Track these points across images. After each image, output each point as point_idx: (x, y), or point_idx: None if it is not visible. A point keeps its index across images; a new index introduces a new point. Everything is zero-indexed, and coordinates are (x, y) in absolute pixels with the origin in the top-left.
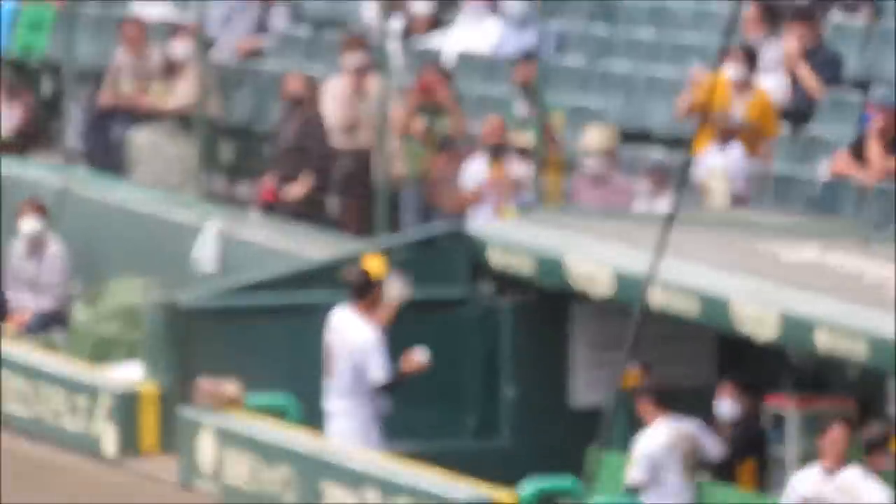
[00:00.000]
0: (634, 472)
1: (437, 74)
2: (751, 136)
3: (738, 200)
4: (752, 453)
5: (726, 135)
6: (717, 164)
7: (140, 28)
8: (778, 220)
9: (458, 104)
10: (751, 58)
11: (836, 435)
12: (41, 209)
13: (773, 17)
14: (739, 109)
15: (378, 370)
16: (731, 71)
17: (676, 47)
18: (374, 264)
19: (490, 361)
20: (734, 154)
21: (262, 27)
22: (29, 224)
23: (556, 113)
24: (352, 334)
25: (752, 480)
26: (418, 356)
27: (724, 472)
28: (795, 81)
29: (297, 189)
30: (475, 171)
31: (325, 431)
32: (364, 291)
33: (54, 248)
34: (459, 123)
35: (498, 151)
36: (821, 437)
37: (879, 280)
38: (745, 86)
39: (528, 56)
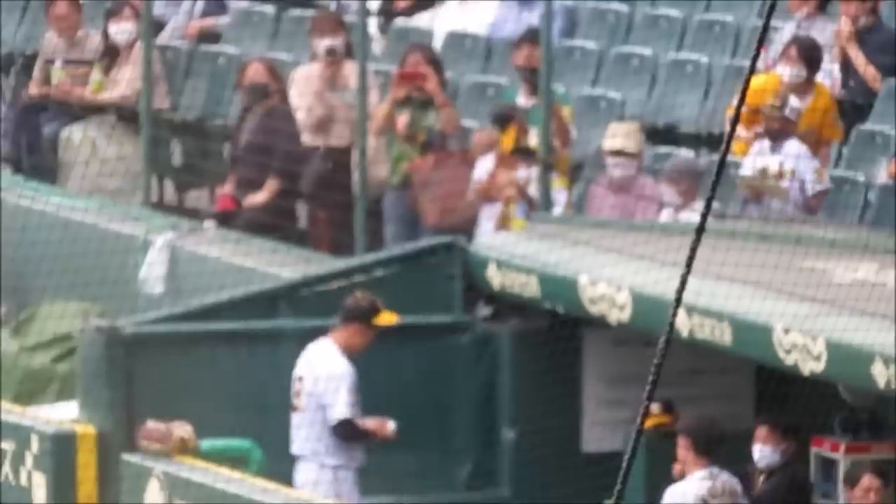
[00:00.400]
0: None
1: (424, 60)
2: (808, 138)
3: (808, 207)
4: None
5: (779, 131)
6: (770, 167)
7: (73, 6)
8: (828, 233)
9: (448, 95)
10: (808, 54)
11: (867, 486)
12: None
13: None
14: (795, 106)
15: (341, 405)
16: (784, 70)
17: (705, 27)
18: (388, 317)
19: (487, 398)
20: (793, 152)
21: (218, 5)
22: None
23: (564, 105)
24: (322, 367)
25: None
26: (389, 425)
27: None
28: (848, 69)
29: (259, 196)
30: (480, 172)
31: (292, 481)
32: (357, 317)
33: None
34: (450, 117)
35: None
36: (850, 489)
37: None
38: (803, 87)
39: (531, 38)
